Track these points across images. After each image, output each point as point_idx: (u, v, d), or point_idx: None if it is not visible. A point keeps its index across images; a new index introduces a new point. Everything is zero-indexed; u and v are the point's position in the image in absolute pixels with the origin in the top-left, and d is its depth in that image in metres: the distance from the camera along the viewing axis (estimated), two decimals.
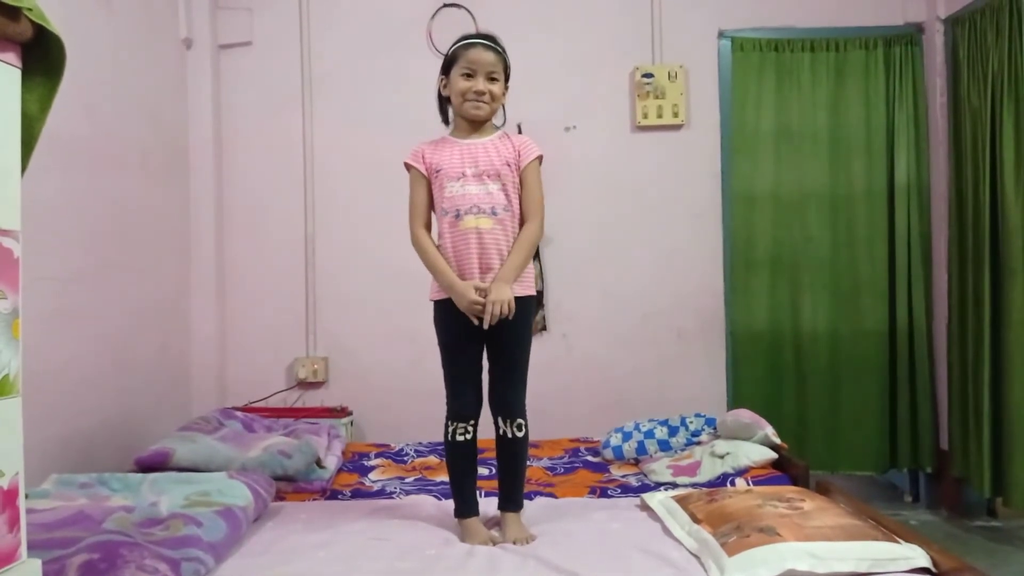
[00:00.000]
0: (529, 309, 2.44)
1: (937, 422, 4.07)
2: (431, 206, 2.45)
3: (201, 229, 4.03)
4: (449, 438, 2.42)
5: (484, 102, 2.37)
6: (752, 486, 2.80)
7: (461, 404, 2.41)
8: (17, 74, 1.40)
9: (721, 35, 4.17)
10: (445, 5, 4.14)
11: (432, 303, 2.46)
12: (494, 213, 2.35)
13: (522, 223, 2.40)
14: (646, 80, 4.08)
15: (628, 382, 4.12)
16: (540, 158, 2.44)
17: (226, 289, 4.14)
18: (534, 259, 4.03)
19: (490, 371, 2.44)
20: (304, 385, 4.15)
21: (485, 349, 2.43)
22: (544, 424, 3.86)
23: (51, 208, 2.78)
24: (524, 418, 2.42)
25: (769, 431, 3.08)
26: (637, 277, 4.15)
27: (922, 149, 4.10)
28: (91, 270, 3.09)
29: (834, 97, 4.13)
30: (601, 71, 4.16)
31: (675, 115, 4.10)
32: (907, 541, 2.01)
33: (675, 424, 3.40)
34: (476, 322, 2.29)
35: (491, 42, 2.40)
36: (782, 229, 4.12)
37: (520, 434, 2.40)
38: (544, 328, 4.12)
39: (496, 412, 2.41)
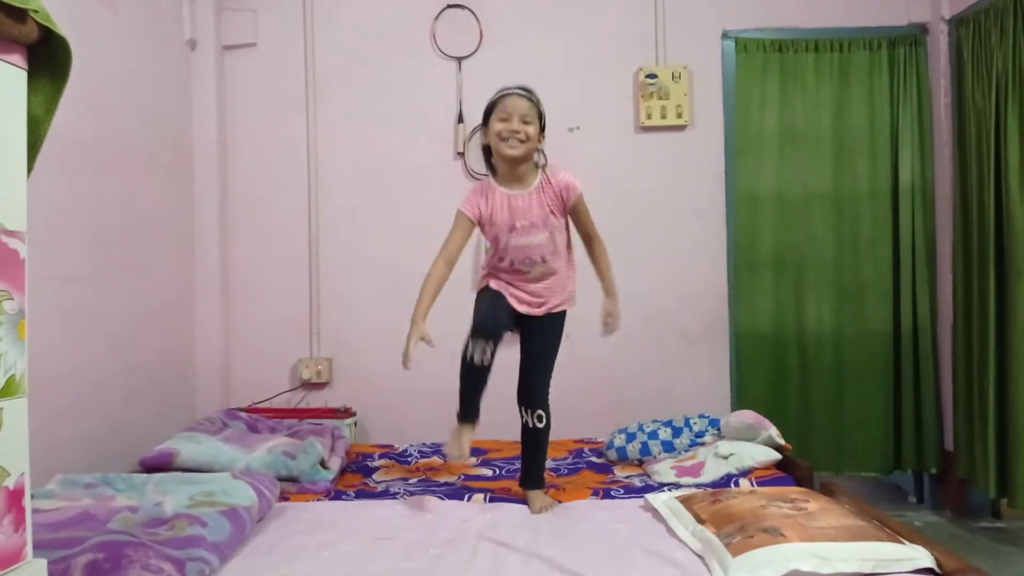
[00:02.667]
0: (562, 319, 2.79)
1: (942, 423, 4.07)
2: (460, 250, 2.70)
3: (205, 230, 4.04)
4: (467, 358, 2.58)
5: (519, 140, 2.55)
6: (756, 487, 2.80)
7: (483, 320, 2.60)
8: (23, 76, 1.41)
9: (725, 36, 4.17)
10: (449, 6, 4.14)
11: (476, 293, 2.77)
12: (544, 261, 2.67)
13: (567, 246, 2.74)
14: (650, 81, 4.08)
15: (632, 383, 4.11)
16: (581, 194, 2.67)
17: (230, 290, 4.14)
18: None
19: (520, 364, 2.75)
20: (308, 386, 4.15)
21: (520, 345, 2.77)
22: None
23: (55, 208, 2.79)
24: (545, 409, 2.73)
25: (773, 432, 3.07)
26: (641, 278, 4.14)
27: (926, 150, 4.10)
28: (95, 270, 3.10)
29: (838, 98, 4.13)
30: (605, 72, 4.16)
31: (679, 116, 4.10)
32: (911, 542, 2.01)
33: (679, 425, 3.39)
34: (404, 365, 2.54)
35: (525, 92, 2.61)
36: (786, 230, 4.12)
37: (540, 424, 2.71)
38: None
39: (521, 402, 2.74)
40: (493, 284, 2.72)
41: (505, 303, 2.67)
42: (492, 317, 2.62)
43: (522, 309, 2.69)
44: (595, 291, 4.12)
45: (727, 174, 4.16)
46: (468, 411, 2.70)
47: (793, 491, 2.47)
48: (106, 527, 2.02)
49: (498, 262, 2.71)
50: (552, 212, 2.63)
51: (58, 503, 2.25)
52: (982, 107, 3.66)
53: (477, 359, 2.54)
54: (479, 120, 4.04)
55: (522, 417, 2.74)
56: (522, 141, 2.55)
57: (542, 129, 2.63)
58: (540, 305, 2.72)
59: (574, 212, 2.68)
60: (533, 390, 2.73)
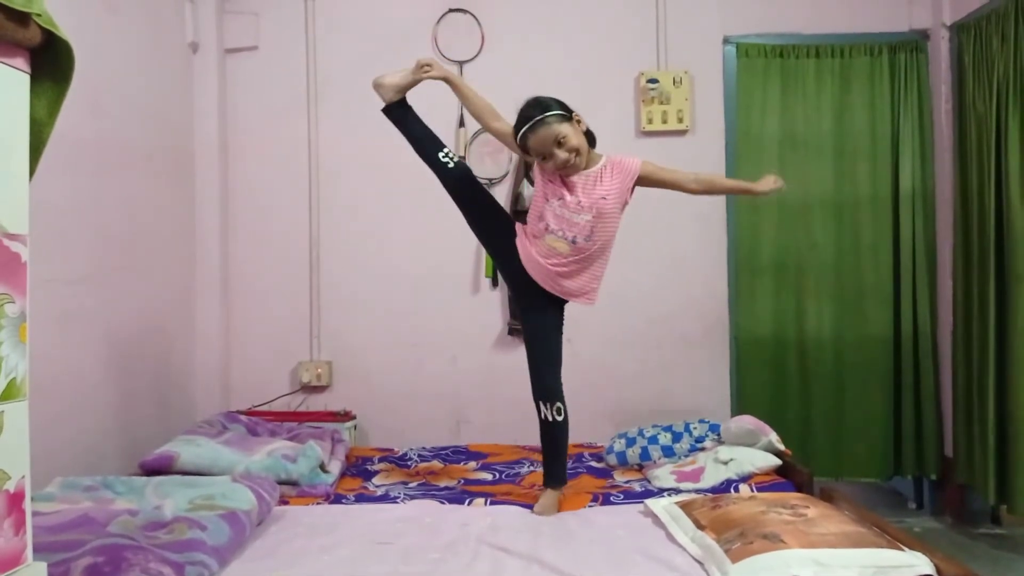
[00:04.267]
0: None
1: (942, 429, 4.06)
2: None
3: (206, 233, 4.04)
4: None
5: (570, 165, 2.57)
6: (756, 492, 2.80)
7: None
8: (26, 79, 1.41)
9: (726, 41, 4.17)
10: (451, 10, 4.14)
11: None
12: (573, 242, 2.61)
13: (593, 257, 2.70)
14: (651, 86, 4.09)
15: (632, 387, 4.11)
16: (642, 163, 2.69)
17: (230, 292, 4.14)
18: None
19: (529, 360, 2.74)
20: (308, 389, 4.15)
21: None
22: None
23: (57, 210, 2.79)
24: (563, 402, 2.70)
25: (773, 437, 3.07)
26: (641, 282, 4.14)
27: (927, 155, 4.10)
28: (96, 273, 3.10)
29: (839, 103, 4.13)
30: (606, 76, 4.17)
31: (680, 120, 4.11)
32: (911, 548, 2.01)
33: (679, 430, 3.39)
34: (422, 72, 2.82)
35: (540, 112, 2.56)
36: (787, 235, 4.12)
37: (560, 418, 2.69)
38: None
39: (538, 397, 2.71)
40: (531, 263, 2.68)
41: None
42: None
43: (551, 288, 2.70)
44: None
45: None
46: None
47: (793, 497, 2.47)
48: (106, 530, 2.02)
49: (537, 220, 2.68)
50: (604, 196, 2.61)
51: (58, 506, 2.25)
52: (983, 113, 3.66)
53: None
54: (479, 125, 4.08)
55: (540, 412, 2.71)
56: (572, 161, 2.56)
57: (568, 115, 2.59)
58: (574, 290, 2.71)
59: (652, 180, 2.71)
60: (550, 379, 2.72)
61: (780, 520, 2.13)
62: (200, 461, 2.80)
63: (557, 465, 2.74)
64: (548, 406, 2.68)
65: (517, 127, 2.61)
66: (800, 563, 1.88)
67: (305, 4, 4.18)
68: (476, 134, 4.10)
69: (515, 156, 4.09)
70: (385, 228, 4.17)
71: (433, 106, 4.15)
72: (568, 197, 2.60)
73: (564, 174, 2.61)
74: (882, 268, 4.10)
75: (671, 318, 4.16)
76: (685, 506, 2.46)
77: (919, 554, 1.96)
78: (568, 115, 2.59)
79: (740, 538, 2.05)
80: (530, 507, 2.68)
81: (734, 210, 4.14)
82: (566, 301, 2.76)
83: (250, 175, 4.17)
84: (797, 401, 4.11)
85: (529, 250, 2.68)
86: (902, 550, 1.98)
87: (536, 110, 2.57)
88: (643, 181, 2.69)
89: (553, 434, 2.72)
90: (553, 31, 4.17)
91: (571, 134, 2.55)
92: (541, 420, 2.71)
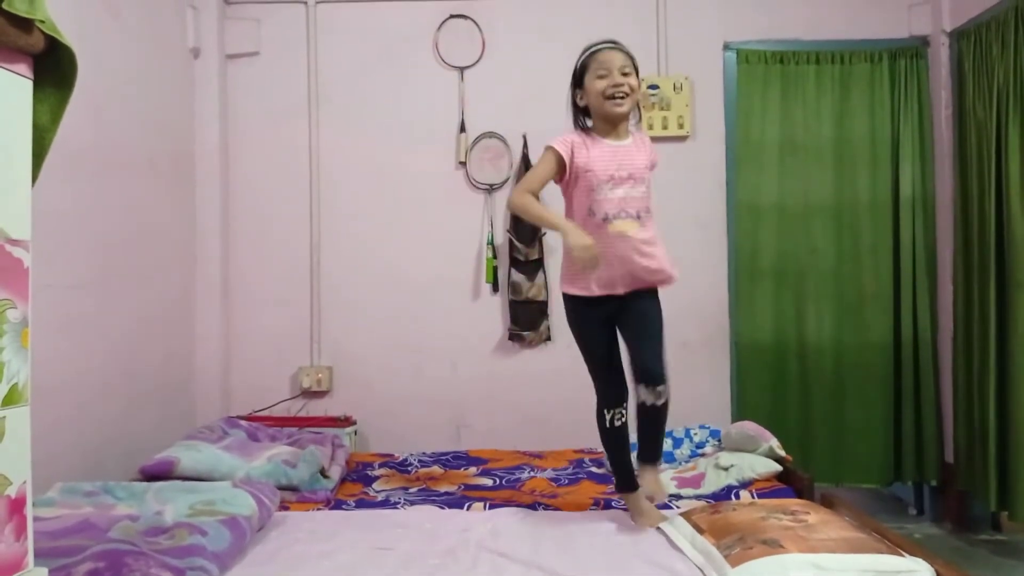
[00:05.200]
0: (656, 292, 2.59)
1: (942, 435, 4.06)
2: (544, 186, 2.54)
3: (207, 238, 4.04)
4: (608, 424, 2.57)
5: (624, 93, 2.46)
6: (756, 499, 2.80)
7: (614, 392, 2.57)
8: (29, 85, 1.42)
9: (726, 47, 4.18)
10: (451, 16, 4.15)
11: (563, 296, 2.61)
12: (639, 217, 2.48)
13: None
14: (651, 92, 4.09)
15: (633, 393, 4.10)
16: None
17: (231, 297, 4.15)
18: (539, 270, 4.06)
19: (629, 345, 2.55)
20: (308, 394, 4.15)
21: (620, 331, 2.57)
22: (548, 435, 3.88)
23: (58, 216, 2.79)
24: (666, 383, 2.49)
25: (774, 443, 3.07)
26: None
27: (927, 161, 4.11)
28: (97, 278, 3.10)
29: (839, 109, 4.13)
30: None
31: (680, 126, 4.11)
32: (911, 554, 2.01)
33: (679, 436, 3.40)
34: (587, 269, 2.41)
35: (615, 43, 2.53)
36: (787, 240, 4.12)
37: (660, 401, 2.48)
38: (548, 338, 4.11)
39: (640, 380, 2.50)
40: (583, 288, 2.49)
41: (606, 335, 2.56)
42: (616, 385, 2.59)
43: (630, 285, 2.49)
44: None
45: (728, 184, 4.16)
46: (629, 479, 2.60)
47: (793, 503, 2.46)
48: (106, 536, 2.02)
49: (588, 216, 2.46)
50: (648, 166, 2.57)
51: (58, 511, 2.25)
52: (983, 119, 3.66)
53: (618, 422, 2.57)
54: (481, 129, 4.10)
55: (639, 397, 2.50)
56: (627, 95, 2.47)
57: (639, 75, 2.55)
58: (652, 269, 2.50)
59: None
60: (652, 363, 2.48)
61: (780, 526, 2.13)
62: (200, 466, 2.80)
63: (655, 444, 2.60)
64: (650, 389, 2.47)
65: (590, 46, 2.55)
66: (799, 567, 1.88)
67: (306, 10, 4.19)
68: (477, 140, 4.11)
69: (516, 161, 4.10)
70: (386, 233, 4.18)
71: (433, 107, 4.19)
72: (621, 172, 2.46)
73: (607, 112, 2.47)
74: (882, 274, 4.10)
75: (671, 323, 4.08)
76: (685, 512, 2.46)
77: (919, 560, 1.96)
78: (638, 72, 2.56)
79: (740, 543, 2.05)
80: (530, 508, 2.69)
81: (734, 216, 4.14)
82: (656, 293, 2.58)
83: (251, 180, 4.18)
84: (797, 407, 4.11)
85: (608, 268, 2.45)
86: (902, 556, 1.98)
87: (614, 42, 2.56)
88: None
89: (653, 416, 2.51)
90: (553, 37, 4.17)
91: (635, 78, 2.51)
92: (640, 404, 2.50)
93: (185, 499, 2.38)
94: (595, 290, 2.49)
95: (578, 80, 2.56)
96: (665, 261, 2.53)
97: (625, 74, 2.47)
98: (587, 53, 2.54)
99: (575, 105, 2.59)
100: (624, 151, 2.51)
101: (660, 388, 2.47)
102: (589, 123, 2.58)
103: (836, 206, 4.12)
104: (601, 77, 2.47)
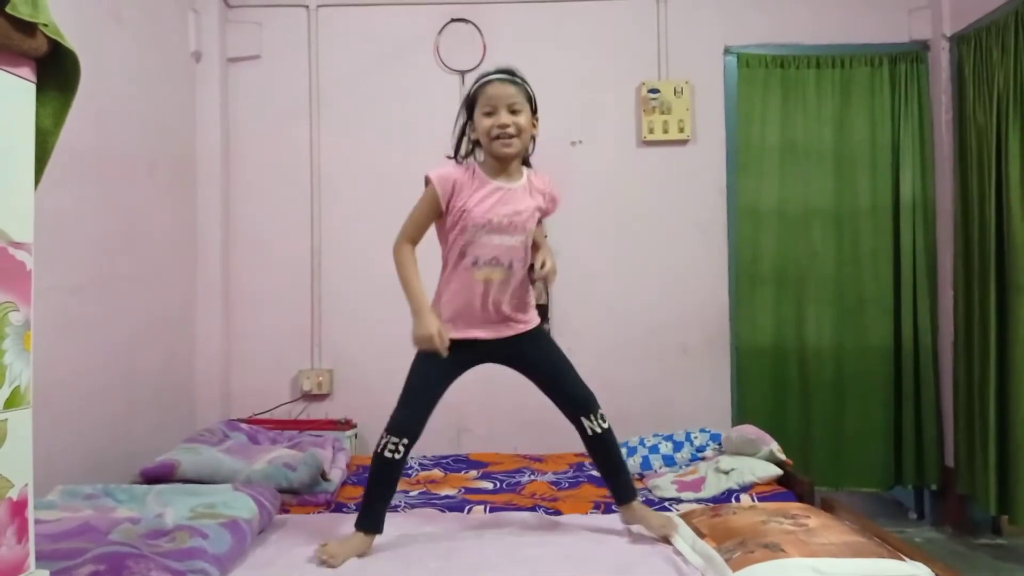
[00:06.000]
0: (540, 328, 2.49)
1: (942, 439, 4.06)
2: (426, 229, 2.41)
3: (208, 241, 4.05)
4: (381, 449, 2.34)
5: (511, 134, 2.26)
6: (756, 502, 2.80)
7: (410, 424, 2.38)
8: (32, 89, 1.42)
9: (727, 51, 4.19)
10: (452, 20, 4.16)
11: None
12: (510, 267, 2.32)
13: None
14: (652, 95, 4.10)
15: (633, 397, 4.11)
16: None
17: (232, 300, 4.15)
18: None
19: (549, 391, 2.46)
20: (308, 397, 4.15)
21: (528, 376, 2.46)
22: (548, 438, 3.86)
23: (59, 219, 2.79)
24: (599, 406, 2.44)
25: (774, 447, 3.07)
26: (642, 291, 4.15)
27: (927, 166, 4.11)
28: (98, 281, 3.10)
29: (839, 114, 4.14)
30: (607, 86, 4.18)
31: (681, 130, 4.12)
32: (912, 558, 2.01)
33: (680, 439, 3.40)
34: (436, 351, 2.28)
35: (508, 75, 2.32)
36: (787, 244, 4.13)
37: (606, 424, 2.42)
38: None
39: (578, 414, 2.42)
40: (452, 329, 2.34)
41: (447, 375, 2.41)
42: (415, 414, 2.39)
43: (502, 333, 2.38)
44: (596, 302, 4.16)
45: (728, 188, 4.17)
46: (372, 522, 2.32)
47: (794, 507, 2.46)
48: (107, 538, 2.02)
49: (459, 258, 2.34)
50: (536, 211, 2.37)
51: (59, 514, 2.25)
52: (983, 124, 3.67)
53: (389, 454, 2.32)
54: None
55: (584, 430, 2.42)
56: (514, 136, 2.26)
57: (534, 112, 2.35)
58: (522, 321, 2.41)
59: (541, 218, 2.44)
60: (580, 392, 2.44)
61: (780, 530, 2.14)
62: (201, 469, 2.80)
63: (625, 474, 2.49)
64: (592, 418, 2.42)
65: (482, 76, 2.33)
66: (800, 571, 1.88)
67: (307, 13, 4.19)
68: (461, 123, 4.11)
69: None
70: (386, 237, 4.11)
71: (433, 111, 4.19)
72: (499, 219, 2.29)
73: (494, 152, 2.29)
74: (882, 278, 4.10)
75: (672, 328, 4.16)
76: (686, 515, 2.46)
77: (920, 564, 1.96)
78: (534, 105, 2.36)
79: (741, 547, 2.05)
80: (530, 511, 2.70)
81: (734, 220, 4.15)
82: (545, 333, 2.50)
83: (251, 183, 4.18)
84: (798, 411, 4.11)
85: (470, 314, 2.36)
86: (903, 560, 1.98)
87: (512, 69, 2.35)
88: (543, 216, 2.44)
89: (608, 443, 2.44)
90: (554, 40, 4.18)
91: (527, 118, 2.30)
92: (588, 437, 2.43)
93: (186, 502, 2.38)
94: (452, 331, 2.33)
95: (469, 111, 2.36)
96: (530, 312, 2.43)
97: (514, 111, 2.27)
98: (476, 84, 2.33)
99: (462, 131, 2.40)
100: (511, 195, 2.32)
101: (600, 411, 2.43)
102: (480, 158, 2.38)
103: (836, 210, 4.13)
104: (487, 114, 2.28)
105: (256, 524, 2.35)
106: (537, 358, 2.45)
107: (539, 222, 2.42)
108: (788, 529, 2.14)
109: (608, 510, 2.79)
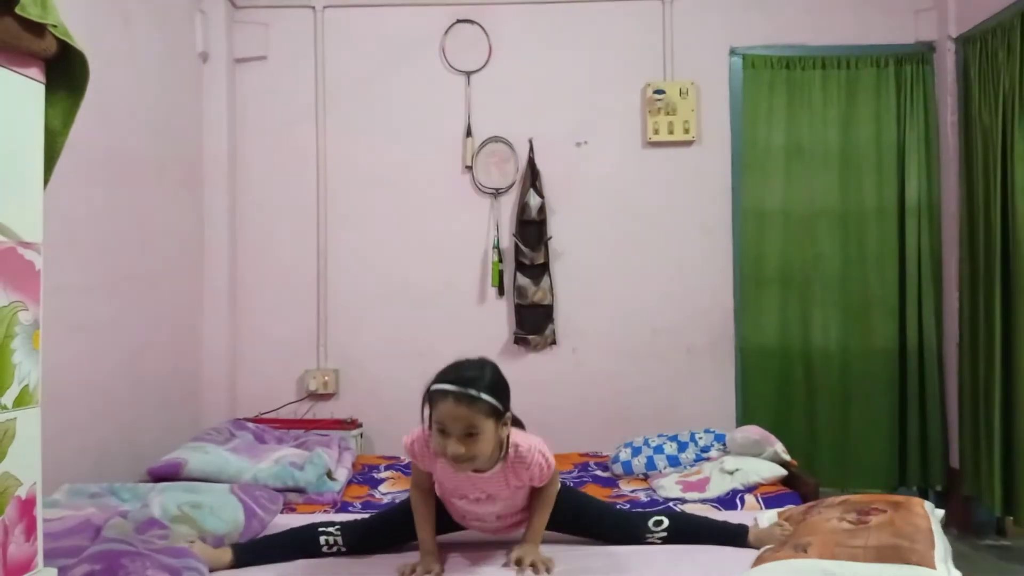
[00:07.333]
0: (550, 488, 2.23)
1: (947, 440, 4.06)
2: (429, 478, 2.19)
3: (214, 241, 4.06)
4: (317, 534, 2.25)
5: (464, 461, 1.96)
6: (761, 503, 2.80)
7: (366, 542, 2.28)
8: (41, 89, 1.43)
9: (732, 52, 4.18)
10: (458, 21, 4.17)
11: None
12: (498, 518, 2.24)
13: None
14: (657, 96, 4.10)
15: (637, 397, 4.11)
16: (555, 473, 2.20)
17: (238, 300, 4.16)
18: (545, 274, 4.07)
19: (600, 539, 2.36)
20: (314, 397, 4.16)
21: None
22: (553, 438, 3.86)
23: (67, 219, 2.80)
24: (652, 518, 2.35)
25: (779, 448, 3.07)
26: (647, 292, 4.15)
27: (933, 167, 4.11)
28: (107, 281, 3.11)
29: (845, 115, 4.14)
30: (613, 87, 4.18)
31: (686, 131, 4.12)
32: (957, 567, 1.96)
33: (684, 440, 3.40)
34: None
35: (466, 387, 1.93)
36: (792, 246, 4.13)
37: (663, 527, 2.32)
38: (554, 342, 4.12)
39: (639, 542, 2.32)
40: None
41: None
42: (367, 534, 2.29)
43: (503, 536, 2.31)
44: (601, 303, 4.17)
45: (734, 190, 4.17)
46: (254, 559, 2.20)
47: (879, 499, 2.30)
48: (101, 535, 2.00)
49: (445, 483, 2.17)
50: (517, 488, 2.15)
51: (62, 512, 2.25)
52: (989, 125, 3.66)
53: (327, 548, 2.23)
54: (487, 134, 4.12)
55: (655, 542, 2.32)
56: (467, 461, 1.96)
57: (502, 413, 2.00)
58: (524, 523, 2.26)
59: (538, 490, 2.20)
60: (625, 527, 2.35)
61: (831, 528, 2.09)
62: (208, 468, 2.81)
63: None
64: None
65: (439, 378, 1.97)
66: (809, 572, 1.87)
67: (314, 14, 4.20)
68: (483, 144, 4.12)
69: (522, 166, 4.11)
70: (392, 237, 4.19)
71: (439, 111, 4.20)
72: (471, 495, 2.15)
73: (448, 462, 2.01)
74: (888, 280, 4.10)
75: (677, 328, 4.16)
76: (781, 511, 2.47)
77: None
78: (501, 412, 1.98)
79: (783, 546, 2.06)
80: None
81: (739, 222, 4.15)
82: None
83: (258, 184, 4.19)
84: (802, 412, 4.11)
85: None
86: (931, 570, 1.88)
87: (472, 377, 1.95)
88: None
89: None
90: (560, 41, 4.19)
91: (488, 436, 1.96)
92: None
93: (175, 497, 2.35)
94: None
95: (429, 402, 2.00)
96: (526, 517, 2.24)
97: (471, 434, 1.93)
98: (430, 387, 1.98)
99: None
100: (482, 481, 2.09)
101: (649, 524, 2.32)
102: None
103: (842, 212, 4.13)
104: (441, 432, 1.95)
105: (235, 537, 2.29)
106: (563, 522, 2.31)
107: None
108: (842, 527, 2.07)
109: None
